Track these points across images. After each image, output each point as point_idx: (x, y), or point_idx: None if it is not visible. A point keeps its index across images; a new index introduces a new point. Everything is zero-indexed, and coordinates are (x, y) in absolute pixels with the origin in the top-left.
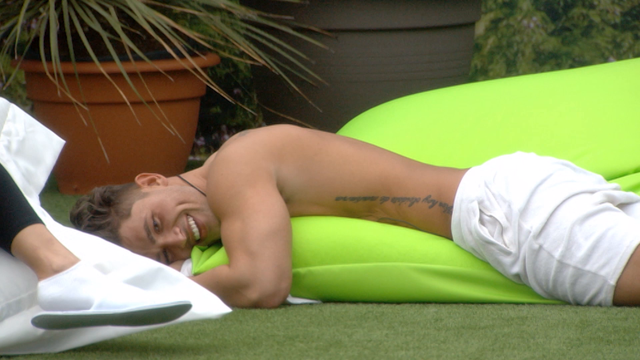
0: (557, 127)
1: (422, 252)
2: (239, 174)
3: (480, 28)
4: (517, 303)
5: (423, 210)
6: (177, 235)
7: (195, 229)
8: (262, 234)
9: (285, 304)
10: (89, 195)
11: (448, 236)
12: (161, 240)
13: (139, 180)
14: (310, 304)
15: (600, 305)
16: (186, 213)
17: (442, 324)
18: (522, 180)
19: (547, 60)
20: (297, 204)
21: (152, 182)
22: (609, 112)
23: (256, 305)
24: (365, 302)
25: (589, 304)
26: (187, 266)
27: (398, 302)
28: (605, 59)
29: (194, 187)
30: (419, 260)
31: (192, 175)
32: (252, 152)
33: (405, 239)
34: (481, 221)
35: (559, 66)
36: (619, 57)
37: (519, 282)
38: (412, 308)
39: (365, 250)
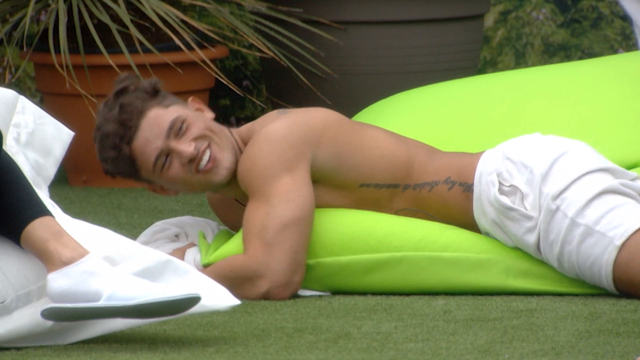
0: (567, 118)
1: (433, 241)
2: (279, 156)
3: (489, 20)
4: (526, 294)
5: (442, 193)
6: (189, 147)
7: (205, 158)
8: (283, 224)
9: (294, 296)
10: (136, 78)
11: (467, 220)
12: (174, 143)
13: (191, 100)
14: (319, 296)
15: (600, 272)
16: (209, 142)
17: (451, 316)
18: (546, 149)
19: (557, 52)
20: (320, 189)
21: (199, 110)
22: (619, 104)
23: (266, 296)
24: (374, 294)
25: (590, 270)
26: (191, 255)
27: (407, 294)
28: (614, 51)
29: (231, 135)
30: (430, 249)
31: (233, 129)
32: (296, 135)
33: (416, 229)
34: (500, 192)
35: (568, 58)
36: (629, 48)
37: (536, 254)
38: (421, 300)
39: (375, 241)
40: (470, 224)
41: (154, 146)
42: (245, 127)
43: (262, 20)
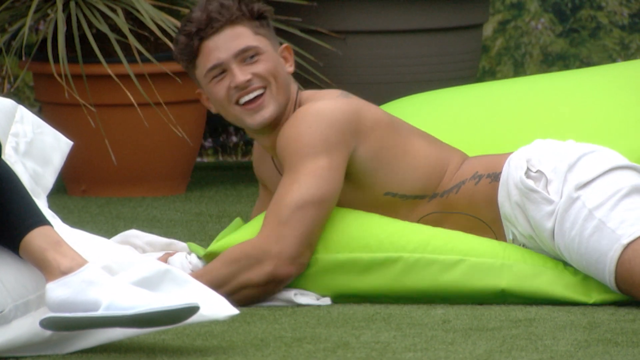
0: (565, 126)
1: (435, 245)
2: (324, 138)
3: (488, 29)
4: (525, 304)
5: (469, 190)
6: (243, 75)
7: (251, 96)
8: (303, 202)
9: (293, 305)
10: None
11: (490, 209)
12: (235, 64)
13: (284, 46)
14: (318, 305)
15: (604, 268)
16: (266, 86)
17: (450, 326)
18: (578, 145)
19: (555, 62)
20: (345, 188)
21: (284, 58)
22: (617, 112)
23: (272, 275)
24: (372, 303)
25: (596, 265)
26: (177, 259)
27: (405, 303)
28: (613, 60)
29: (295, 94)
30: (431, 252)
31: (301, 91)
32: (347, 123)
33: (419, 233)
34: (527, 176)
35: (566, 67)
36: (627, 58)
37: (550, 241)
38: (420, 309)
39: (375, 242)
40: (491, 216)
41: (218, 55)
42: (308, 93)
43: None
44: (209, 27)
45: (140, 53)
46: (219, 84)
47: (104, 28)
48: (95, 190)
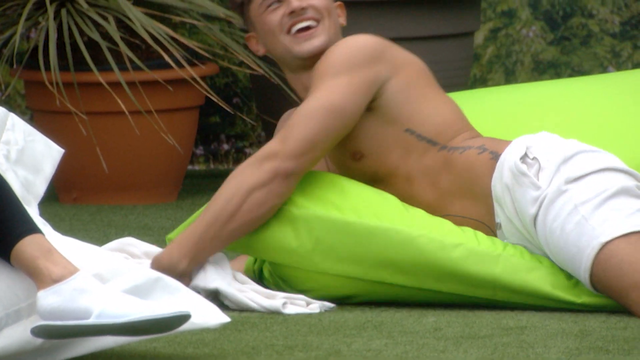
0: (558, 132)
1: (435, 226)
2: (349, 59)
3: (479, 37)
4: (516, 310)
5: (471, 156)
6: (300, 2)
7: (304, 24)
8: (313, 109)
9: (284, 314)
10: None
11: (482, 185)
12: None
13: (339, 3)
14: (309, 313)
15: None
16: (320, 19)
17: (442, 334)
18: (579, 143)
19: (546, 70)
20: (370, 117)
21: (338, 7)
22: (609, 121)
23: (275, 172)
24: (363, 310)
25: (572, 260)
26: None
27: (397, 309)
28: (604, 69)
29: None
30: (430, 230)
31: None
32: (375, 50)
33: (418, 218)
34: (523, 160)
35: (558, 75)
36: (618, 66)
37: (531, 228)
38: (411, 317)
39: (371, 211)
40: (482, 193)
41: None
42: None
43: None
44: None
45: (131, 61)
46: (274, 12)
47: (96, 36)
48: (86, 198)
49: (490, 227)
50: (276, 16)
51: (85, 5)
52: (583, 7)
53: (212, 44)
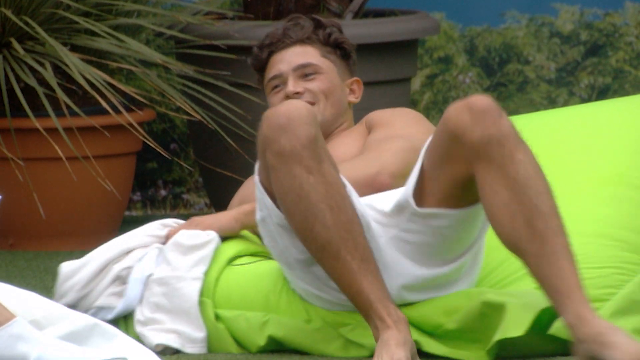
0: None
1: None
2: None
3: (416, 83)
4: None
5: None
6: (295, 87)
7: (303, 102)
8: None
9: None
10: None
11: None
12: (293, 78)
13: (355, 80)
14: None
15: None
16: (315, 102)
17: None
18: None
19: None
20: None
21: (350, 91)
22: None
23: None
24: None
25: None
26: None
27: None
28: None
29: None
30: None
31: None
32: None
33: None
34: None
35: None
36: None
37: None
38: None
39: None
40: None
41: (280, 67)
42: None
43: (190, 84)
44: (280, 42)
45: (68, 107)
46: (277, 94)
47: (32, 82)
48: (23, 244)
49: None
50: (278, 99)
51: (21, 51)
52: (519, 53)
53: (149, 89)
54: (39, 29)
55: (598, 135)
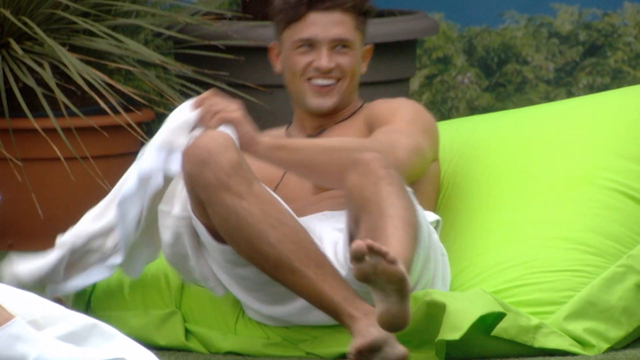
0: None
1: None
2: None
3: (414, 84)
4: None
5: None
6: (328, 62)
7: (324, 82)
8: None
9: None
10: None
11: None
12: (326, 49)
13: (369, 49)
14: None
15: None
16: (341, 79)
17: None
18: None
19: None
20: None
21: (364, 59)
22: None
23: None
24: None
25: None
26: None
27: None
28: None
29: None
30: None
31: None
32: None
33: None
34: None
35: None
36: None
37: None
38: None
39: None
40: None
41: (316, 31)
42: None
43: (188, 84)
44: (321, 0)
45: (67, 107)
46: (302, 56)
47: (31, 82)
48: (21, 244)
49: None
50: (303, 61)
51: (20, 52)
52: (518, 53)
53: (148, 90)
54: (37, 29)
55: (571, 134)
